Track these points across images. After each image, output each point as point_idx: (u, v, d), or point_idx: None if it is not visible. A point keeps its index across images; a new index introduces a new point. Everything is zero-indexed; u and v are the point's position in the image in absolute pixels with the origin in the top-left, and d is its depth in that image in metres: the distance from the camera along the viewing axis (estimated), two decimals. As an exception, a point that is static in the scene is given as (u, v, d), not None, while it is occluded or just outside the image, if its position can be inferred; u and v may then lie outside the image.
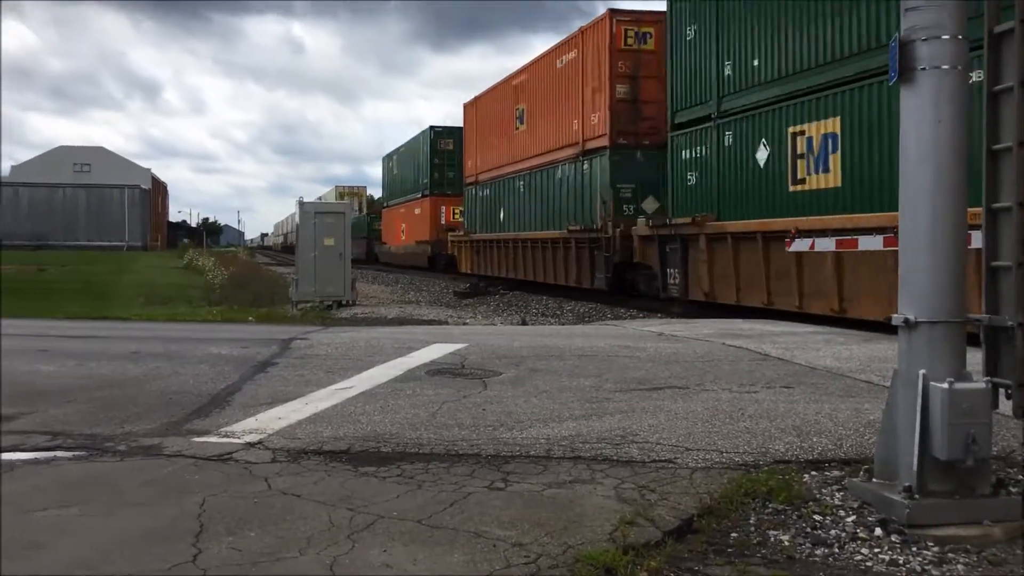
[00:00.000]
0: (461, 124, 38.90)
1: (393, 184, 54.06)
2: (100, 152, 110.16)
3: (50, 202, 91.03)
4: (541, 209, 27.10)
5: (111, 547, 3.99)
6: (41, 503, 4.62)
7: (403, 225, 49.79)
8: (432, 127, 43.61)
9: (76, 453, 5.69)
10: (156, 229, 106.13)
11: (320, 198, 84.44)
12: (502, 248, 30.92)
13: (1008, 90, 4.63)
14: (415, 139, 47.21)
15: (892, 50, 4.66)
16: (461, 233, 36.82)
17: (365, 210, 74.18)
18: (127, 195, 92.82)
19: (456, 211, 40.56)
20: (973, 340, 4.72)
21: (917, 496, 4.41)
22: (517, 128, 29.54)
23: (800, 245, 14.40)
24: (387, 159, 56.24)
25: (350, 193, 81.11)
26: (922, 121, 4.54)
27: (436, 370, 8.98)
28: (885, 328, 4.96)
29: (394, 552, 3.96)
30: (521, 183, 29.12)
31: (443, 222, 41.95)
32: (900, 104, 4.72)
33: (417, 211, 45.46)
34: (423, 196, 43.99)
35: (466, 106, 36.86)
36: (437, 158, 42.75)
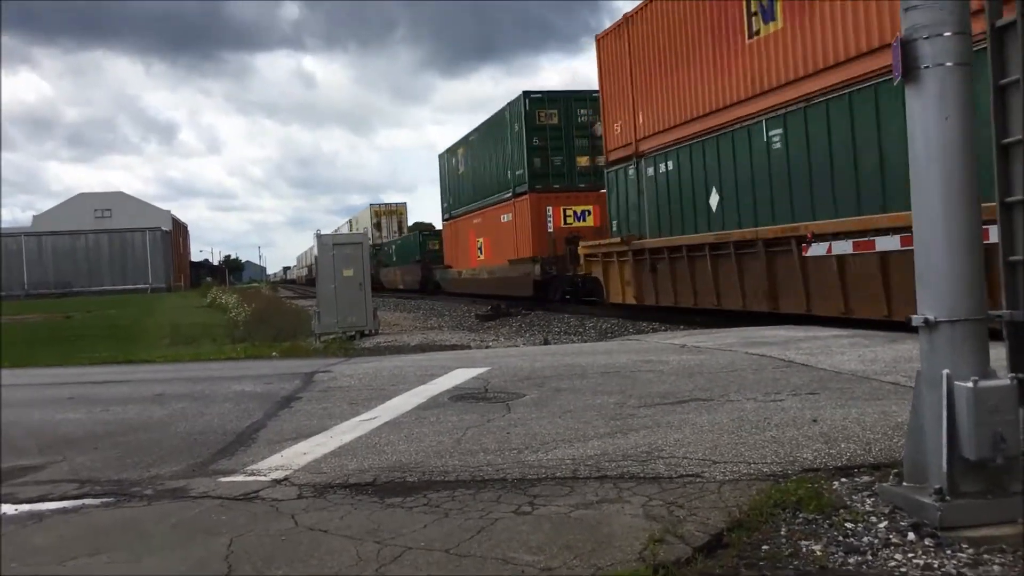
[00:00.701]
0: (553, 90, 30.17)
1: (459, 187, 40.77)
2: (120, 197, 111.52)
3: (73, 249, 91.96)
4: (827, 181, 14.88)
5: (140, 593, 4.00)
6: (71, 552, 4.64)
7: (480, 240, 36.59)
8: (527, 93, 30.31)
9: (104, 500, 5.71)
10: (179, 269, 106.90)
11: (351, 221, 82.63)
12: (720, 260, 18.14)
13: (1015, 83, 4.59)
14: (496, 118, 33.80)
15: (895, 50, 4.63)
16: (612, 241, 23.12)
17: (404, 230, 71.36)
18: (148, 237, 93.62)
19: (570, 213, 29.38)
20: (996, 336, 4.66)
21: (948, 498, 4.34)
22: (756, 32, 16.62)
23: (817, 249, 14.32)
24: (448, 156, 42.93)
25: (387, 212, 75.16)
26: (929, 119, 4.51)
27: (459, 395, 8.97)
28: (909, 328, 4.89)
29: (422, 583, 3.94)
30: (773, 132, 16.33)
31: (550, 229, 29.31)
32: (906, 104, 4.68)
33: (506, 217, 32.65)
34: (516, 195, 31.29)
35: (605, 37, 23.76)
36: (537, 138, 29.94)
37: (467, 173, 39.32)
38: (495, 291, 34.29)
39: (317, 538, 4.64)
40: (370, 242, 60.43)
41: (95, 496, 5.81)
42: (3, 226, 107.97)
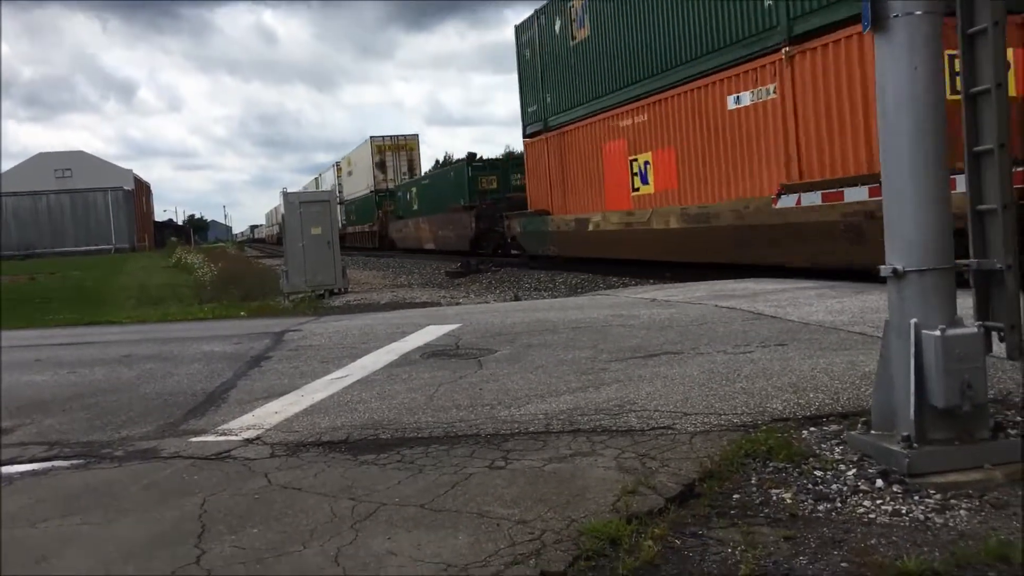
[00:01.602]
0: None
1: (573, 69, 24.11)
2: (80, 156, 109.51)
3: (35, 210, 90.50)
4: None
5: (114, 554, 3.98)
6: (43, 515, 4.60)
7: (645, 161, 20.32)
8: None
9: (74, 462, 5.66)
10: (143, 230, 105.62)
11: (338, 166, 70.68)
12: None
13: (983, 32, 4.59)
14: None
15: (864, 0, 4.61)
16: None
17: (418, 170, 56.77)
18: (111, 197, 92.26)
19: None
20: (963, 285, 4.71)
21: (916, 445, 4.41)
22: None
23: (787, 202, 14.38)
24: (543, 17, 25.85)
25: (393, 147, 58.21)
26: (898, 69, 4.50)
27: (431, 352, 8.96)
28: (876, 279, 4.96)
29: (398, 539, 3.95)
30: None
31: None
32: (875, 53, 4.68)
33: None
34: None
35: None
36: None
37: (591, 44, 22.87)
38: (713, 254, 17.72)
39: (291, 496, 4.64)
40: (371, 188, 57.01)
41: (65, 458, 5.76)
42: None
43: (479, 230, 34.34)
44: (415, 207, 47.27)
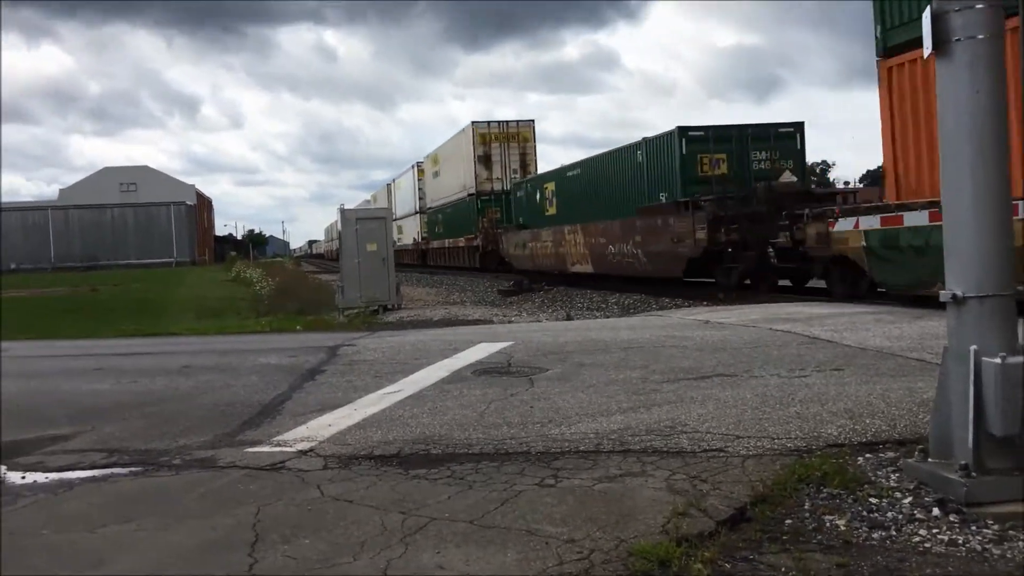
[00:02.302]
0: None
1: None
2: (145, 171, 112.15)
3: (99, 223, 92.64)
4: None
5: (169, 561, 4.06)
6: (100, 520, 4.71)
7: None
8: None
9: (132, 469, 5.79)
10: (203, 244, 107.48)
11: (428, 161, 54.72)
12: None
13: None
14: None
15: (925, 23, 4.57)
16: None
17: (532, 166, 42.40)
18: (173, 212, 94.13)
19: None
20: (1025, 312, 4.63)
21: (974, 474, 4.33)
22: None
23: (845, 224, 14.22)
24: None
25: (501, 136, 43.10)
26: (960, 93, 4.45)
27: (483, 370, 9.00)
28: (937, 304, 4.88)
29: (447, 554, 3.97)
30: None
31: None
32: (936, 77, 4.63)
33: None
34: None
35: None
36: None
37: None
38: None
39: (343, 508, 4.69)
40: (470, 190, 42.28)
41: (123, 465, 5.89)
42: (29, 200, 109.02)
43: (712, 241, 19.95)
44: (551, 211, 32.34)
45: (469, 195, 43.95)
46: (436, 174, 53.14)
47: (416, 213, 59.17)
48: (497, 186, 42.78)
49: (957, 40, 4.45)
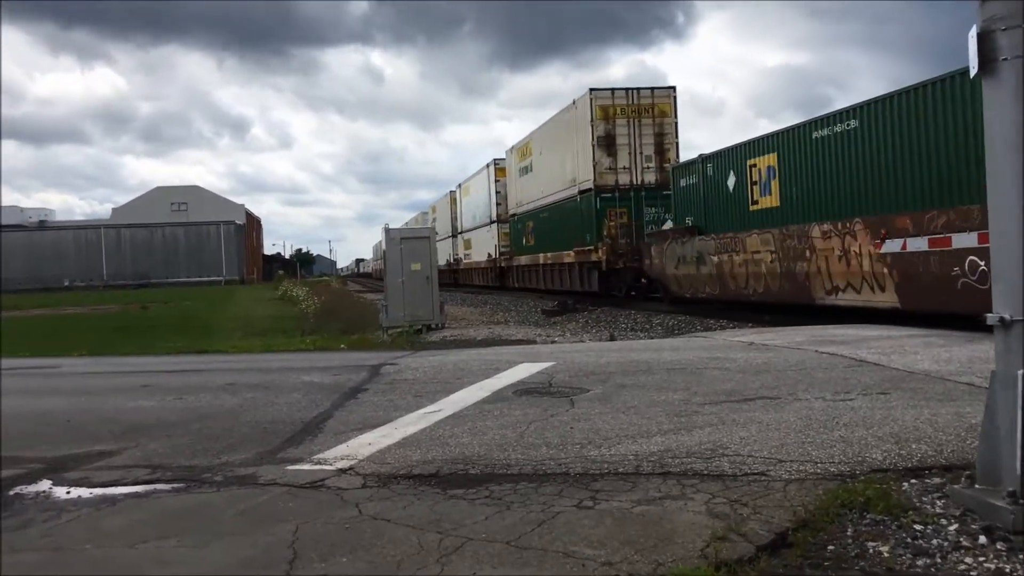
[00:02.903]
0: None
1: None
2: (195, 191, 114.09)
3: (151, 241, 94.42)
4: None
5: (208, 576, 4.09)
6: (141, 536, 4.76)
7: None
8: None
9: (175, 485, 5.85)
10: (252, 262, 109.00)
11: (514, 155, 43.24)
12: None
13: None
14: None
15: (971, 42, 4.51)
16: None
17: (673, 150, 30.58)
18: (223, 231, 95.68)
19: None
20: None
21: (1022, 501, 4.23)
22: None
23: (892, 246, 14.01)
24: None
25: (631, 110, 30.87)
26: (1005, 113, 4.38)
27: (523, 390, 8.98)
28: (987, 328, 4.77)
29: (483, 574, 3.96)
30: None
31: None
32: (983, 97, 4.56)
33: None
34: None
35: None
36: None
37: None
38: None
39: (380, 527, 4.70)
40: (583, 184, 31.26)
41: (166, 481, 5.96)
42: (83, 219, 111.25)
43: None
44: (769, 202, 20.48)
45: (582, 192, 32.13)
46: (526, 170, 41.30)
47: (492, 223, 48.54)
48: (624, 179, 30.73)
49: (1004, 59, 4.38)
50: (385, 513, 4.94)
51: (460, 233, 59.35)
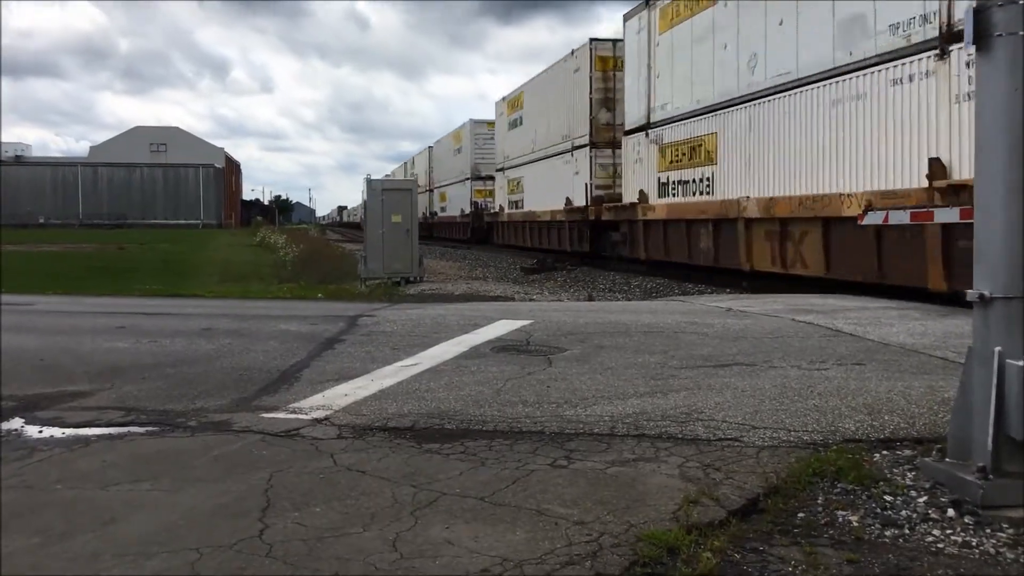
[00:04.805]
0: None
1: None
2: (175, 132, 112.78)
3: (128, 182, 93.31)
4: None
5: (180, 522, 4.08)
6: (114, 478, 4.75)
7: None
8: None
9: (149, 428, 5.83)
10: (230, 207, 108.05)
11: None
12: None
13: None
14: None
15: (967, 17, 4.48)
16: None
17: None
18: (202, 174, 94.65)
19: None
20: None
21: (992, 476, 4.28)
22: None
23: (873, 218, 14.06)
24: None
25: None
26: (997, 89, 4.36)
27: (501, 347, 8.99)
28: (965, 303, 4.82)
29: (456, 529, 3.98)
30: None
31: None
32: (976, 72, 4.55)
33: None
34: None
35: None
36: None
37: None
38: None
39: (355, 478, 4.71)
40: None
41: (140, 424, 5.94)
42: (59, 156, 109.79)
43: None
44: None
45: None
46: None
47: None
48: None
49: (998, 35, 4.36)
50: (360, 465, 4.95)
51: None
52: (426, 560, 3.64)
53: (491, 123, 45.51)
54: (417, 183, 27.53)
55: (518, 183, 39.05)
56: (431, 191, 61.29)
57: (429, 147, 62.91)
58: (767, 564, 3.72)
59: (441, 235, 58.63)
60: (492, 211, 44.54)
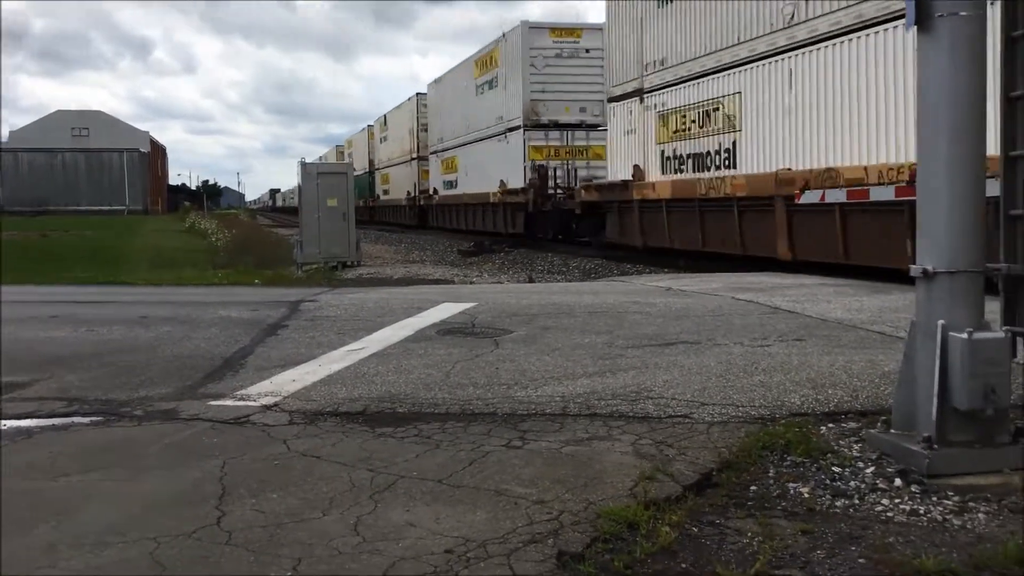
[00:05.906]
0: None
1: None
2: (98, 116, 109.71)
3: (50, 167, 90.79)
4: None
5: (137, 511, 4.01)
6: (63, 469, 4.64)
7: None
8: None
9: (93, 419, 5.70)
10: (156, 193, 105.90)
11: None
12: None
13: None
14: None
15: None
16: None
17: None
18: (126, 159, 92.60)
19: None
20: (992, 289, 4.69)
21: (936, 446, 4.41)
22: None
23: (810, 197, 14.34)
24: None
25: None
26: (939, 68, 4.47)
27: (447, 330, 8.97)
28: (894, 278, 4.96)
29: (417, 511, 3.97)
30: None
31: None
32: (917, 51, 4.65)
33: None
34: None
35: None
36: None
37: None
38: None
39: (310, 464, 4.67)
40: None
41: (84, 415, 5.80)
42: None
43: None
44: None
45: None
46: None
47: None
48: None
49: (940, 16, 4.46)
50: (314, 450, 4.91)
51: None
52: (389, 543, 3.63)
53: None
54: (353, 166, 27.33)
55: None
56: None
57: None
58: (724, 537, 3.79)
59: (383, 219, 56.78)
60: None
